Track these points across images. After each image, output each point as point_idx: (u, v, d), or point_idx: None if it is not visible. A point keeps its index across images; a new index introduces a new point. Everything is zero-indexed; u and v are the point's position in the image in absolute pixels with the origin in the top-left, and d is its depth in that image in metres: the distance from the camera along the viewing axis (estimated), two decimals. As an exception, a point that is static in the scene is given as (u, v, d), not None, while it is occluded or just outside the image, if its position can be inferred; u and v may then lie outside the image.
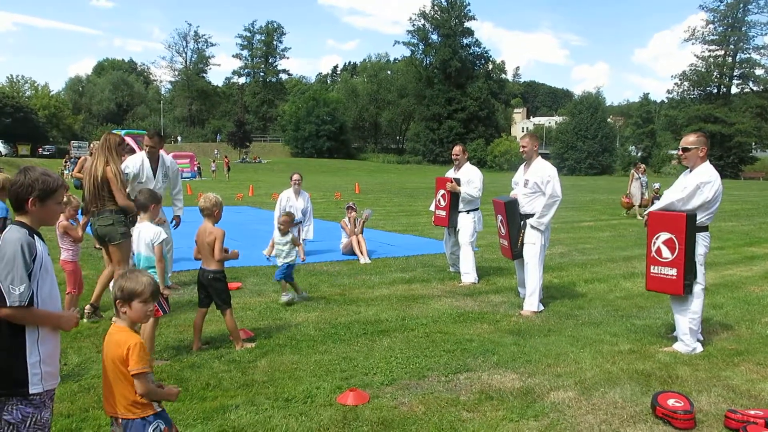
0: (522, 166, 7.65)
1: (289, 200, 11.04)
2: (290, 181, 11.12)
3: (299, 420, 4.13)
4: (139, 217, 5.62)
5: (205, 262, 5.68)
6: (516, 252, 7.44)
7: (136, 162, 7.60)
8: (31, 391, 2.72)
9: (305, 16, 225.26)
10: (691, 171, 5.86)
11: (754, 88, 78.81)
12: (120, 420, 2.86)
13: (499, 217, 7.71)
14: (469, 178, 8.85)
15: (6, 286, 2.66)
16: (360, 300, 7.66)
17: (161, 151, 7.88)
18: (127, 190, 6.99)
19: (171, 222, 7.94)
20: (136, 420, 2.86)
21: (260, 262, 9.94)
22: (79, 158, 15.76)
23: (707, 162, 5.85)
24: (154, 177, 7.69)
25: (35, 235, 2.83)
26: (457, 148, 9.16)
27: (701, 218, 5.71)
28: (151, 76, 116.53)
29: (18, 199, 2.84)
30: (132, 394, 2.83)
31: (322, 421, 4.11)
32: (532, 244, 7.23)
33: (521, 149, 7.54)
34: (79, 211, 7.01)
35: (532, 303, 7.19)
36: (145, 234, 5.37)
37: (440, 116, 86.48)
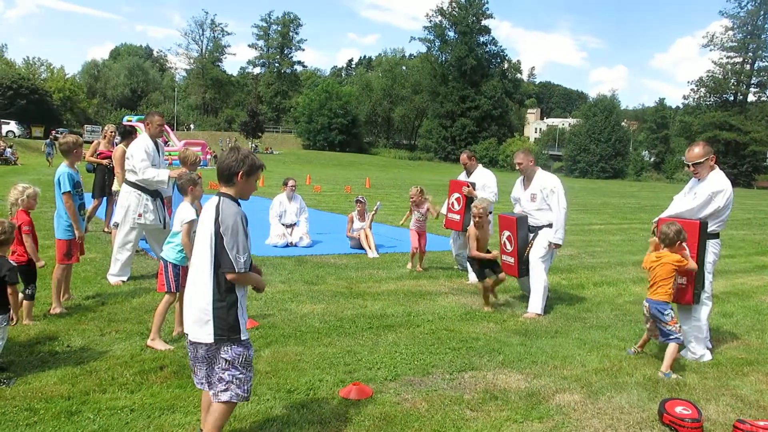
0: (520, 182, 7.42)
1: (282, 204, 11.03)
2: (284, 186, 11.09)
3: (300, 412, 4.10)
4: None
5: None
6: (522, 269, 7.19)
7: (148, 144, 7.59)
8: (242, 337, 3.36)
9: (325, 8, 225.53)
10: (700, 180, 5.74)
11: (771, 97, 78.03)
12: None
13: (506, 233, 7.30)
14: (485, 183, 8.75)
15: (234, 255, 3.18)
16: (366, 294, 7.62)
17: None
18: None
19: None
20: None
21: (268, 252, 9.92)
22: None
23: (717, 169, 5.73)
24: (159, 157, 7.75)
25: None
26: (463, 156, 9.04)
27: (712, 226, 5.62)
28: (166, 63, 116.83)
29: (230, 172, 3.27)
30: None
31: (323, 415, 4.07)
32: (543, 247, 7.06)
33: (517, 166, 7.27)
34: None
35: (536, 306, 7.00)
36: (180, 214, 5.53)
37: (453, 114, 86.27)
